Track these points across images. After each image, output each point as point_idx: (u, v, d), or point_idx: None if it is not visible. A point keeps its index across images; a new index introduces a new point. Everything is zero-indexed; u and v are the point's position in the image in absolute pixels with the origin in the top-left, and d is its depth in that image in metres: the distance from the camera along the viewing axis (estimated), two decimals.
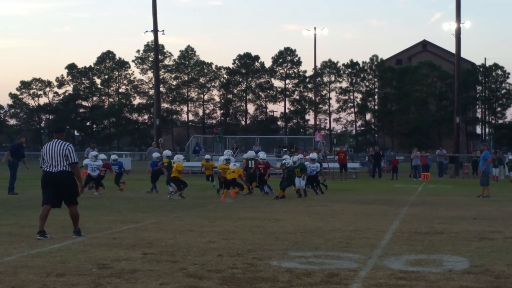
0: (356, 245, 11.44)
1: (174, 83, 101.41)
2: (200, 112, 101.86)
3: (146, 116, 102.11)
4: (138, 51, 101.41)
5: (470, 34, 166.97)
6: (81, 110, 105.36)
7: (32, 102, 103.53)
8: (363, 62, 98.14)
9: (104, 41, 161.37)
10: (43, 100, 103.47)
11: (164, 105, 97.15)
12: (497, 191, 29.24)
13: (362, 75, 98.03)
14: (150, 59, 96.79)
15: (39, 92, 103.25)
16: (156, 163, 26.95)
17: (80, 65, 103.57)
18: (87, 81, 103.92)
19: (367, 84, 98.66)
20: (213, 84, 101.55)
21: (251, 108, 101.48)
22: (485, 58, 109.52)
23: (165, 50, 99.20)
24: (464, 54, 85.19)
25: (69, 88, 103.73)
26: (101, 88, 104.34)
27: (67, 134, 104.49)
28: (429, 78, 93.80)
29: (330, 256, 10.25)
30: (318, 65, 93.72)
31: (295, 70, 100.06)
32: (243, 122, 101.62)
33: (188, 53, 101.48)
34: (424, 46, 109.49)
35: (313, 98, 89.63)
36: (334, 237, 12.40)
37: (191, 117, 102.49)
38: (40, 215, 12.25)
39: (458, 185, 34.89)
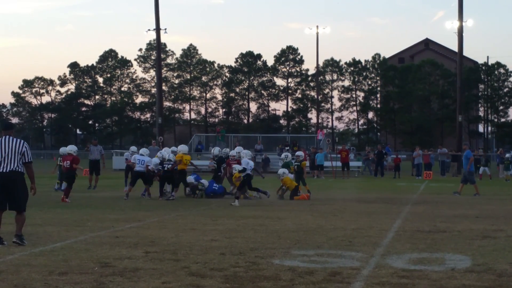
0: (358, 243, 11.44)
1: (177, 81, 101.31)
2: (203, 110, 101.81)
3: (148, 115, 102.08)
4: (140, 49, 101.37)
5: (472, 32, 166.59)
6: (84, 109, 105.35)
7: (34, 101, 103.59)
8: (365, 61, 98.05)
9: (107, 39, 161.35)
10: (45, 99, 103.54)
11: (167, 103, 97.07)
12: (499, 189, 29.25)
13: (364, 74, 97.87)
14: (153, 57, 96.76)
15: (42, 91, 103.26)
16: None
17: (82, 63, 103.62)
18: (90, 80, 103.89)
19: (370, 82, 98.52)
20: (215, 82, 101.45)
21: (253, 106, 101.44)
22: (488, 57, 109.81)
23: (167, 49, 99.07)
24: (466, 53, 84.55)
25: (71, 87, 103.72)
26: (103, 87, 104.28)
27: (69, 132, 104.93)
28: (431, 76, 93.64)
29: (332, 254, 10.26)
30: (320, 63, 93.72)
31: (298, 69, 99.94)
32: (245, 121, 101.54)
33: (190, 52, 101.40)
34: (427, 44, 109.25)
35: (316, 96, 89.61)
36: (337, 236, 12.41)
37: (193, 116, 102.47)
38: None
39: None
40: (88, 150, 27.79)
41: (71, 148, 22.01)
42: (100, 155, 27.52)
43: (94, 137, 28.87)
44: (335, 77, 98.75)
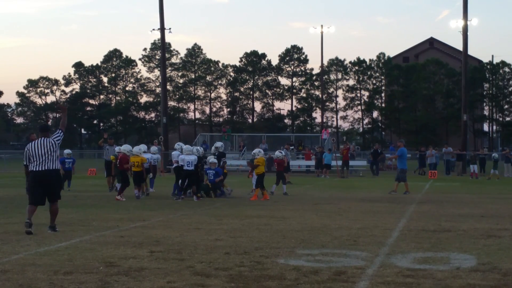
0: (363, 243, 11.43)
1: (181, 81, 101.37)
2: (207, 110, 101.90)
3: (153, 114, 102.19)
4: (145, 49, 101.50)
5: (477, 31, 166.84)
6: (88, 109, 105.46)
7: (39, 101, 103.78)
8: (370, 60, 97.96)
9: (111, 39, 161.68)
10: (50, 99, 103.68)
11: (171, 103, 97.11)
12: (503, 188, 29.23)
13: (369, 73, 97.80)
14: (157, 57, 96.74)
15: (46, 91, 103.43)
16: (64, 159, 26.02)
17: (87, 63, 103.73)
18: (94, 80, 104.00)
19: (374, 81, 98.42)
20: (220, 82, 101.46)
21: (258, 106, 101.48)
22: (492, 56, 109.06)
23: (172, 48, 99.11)
24: (471, 52, 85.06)
25: (76, 87, 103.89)
26: (108, 87, 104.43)
27: (74, 132, 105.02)
28: (436, 75, 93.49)
29: (337, 254, 10.25)
30: (325, 62, 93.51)
31: (302, 68, 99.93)
32: (250, 120, 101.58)
33: (195, 51, 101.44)
34: (431, 43, 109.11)
35: (320, 96, 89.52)
36: (341, 235, 12.40)
37: (198, 115, 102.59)
38: (28, 209, 12.44)
39: (465, 182, 34.85)
40: (102, 145, 26.70)
41: (125, 148, 21.98)
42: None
43: (110, 136, 27.78)
44: (339, 76, 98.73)
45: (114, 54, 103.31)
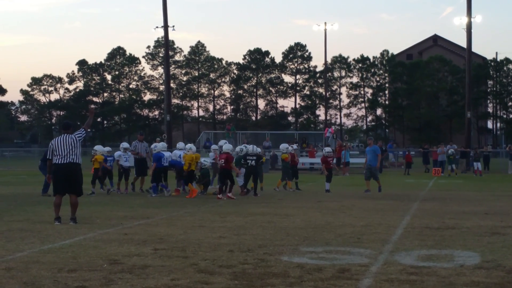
0: (367, 240, 11.42)
1: (185, 78, 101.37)
2: (211, 107, 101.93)
3: (156, 112, 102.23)
4: (148, 47, 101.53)
5: (481, 28, 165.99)
6: (92, 106, 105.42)
7: (43, 98, 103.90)
8: (373, 57, 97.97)
9: (115, 37, 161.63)
10: (54, 96, 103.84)
11: (175, 101, 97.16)
12: (507, 186, 29.21)
13: (372, 70, 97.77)
14: (161, 55, 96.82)
15: (50, 88, 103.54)
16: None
17: (90, 61, 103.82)
18: (98, 77, 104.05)
19: (378, 79, 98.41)
20: (223, 79, 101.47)
21: (261, 103, 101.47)
22: (497, 53, 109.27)
23: (175, 46, 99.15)
24: (475, 49, 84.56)
25: (79, 84, 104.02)
26: (111, 84, 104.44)
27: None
28: (440, 72, 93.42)
29: (341, 251, 10.24)
30: (329, 60, 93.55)
31: (306, 65, 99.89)
32: (253, 118, 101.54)
33: (198, 49, 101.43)
34: (435, 40, 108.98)
35: (324, 93, 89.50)
36: (345, 233, 12.39)
37: (201, 113, 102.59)
38: (54, 203, 13.57)
39: (469, 180, 34.81)
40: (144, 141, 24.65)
41: (227, 147, 21.74)
42: (145, 152, 24.26)
43: (141, 132, 26.68)
44: (343, 73, 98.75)
45: (118, 52, 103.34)
